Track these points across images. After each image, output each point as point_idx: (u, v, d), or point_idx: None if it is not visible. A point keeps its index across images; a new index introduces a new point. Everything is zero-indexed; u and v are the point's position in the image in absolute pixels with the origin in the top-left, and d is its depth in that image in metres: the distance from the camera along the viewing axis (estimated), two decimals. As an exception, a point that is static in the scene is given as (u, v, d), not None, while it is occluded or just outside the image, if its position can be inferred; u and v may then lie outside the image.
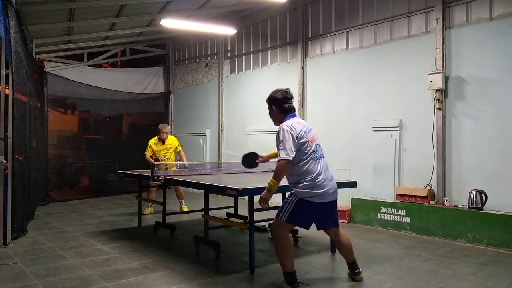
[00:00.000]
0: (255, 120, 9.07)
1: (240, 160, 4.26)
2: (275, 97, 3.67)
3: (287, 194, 3.62)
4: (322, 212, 3.52)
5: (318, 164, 3.44)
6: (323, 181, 3.41)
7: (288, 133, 3.37)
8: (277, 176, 3.36)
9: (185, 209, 7.12)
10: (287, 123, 3.48)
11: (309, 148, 3.43)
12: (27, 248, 4.85)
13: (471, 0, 5.67)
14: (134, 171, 6.44)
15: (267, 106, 3.75)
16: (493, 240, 4.94)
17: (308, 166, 3.40)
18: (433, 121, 5.92)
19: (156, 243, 5.21)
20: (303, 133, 3.43)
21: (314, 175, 3.39)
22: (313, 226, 3.61)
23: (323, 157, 3.56)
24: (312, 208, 3.41)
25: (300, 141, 3.40)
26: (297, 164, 3.40)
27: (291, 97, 3.68)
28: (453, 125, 5.79)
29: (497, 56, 5.36)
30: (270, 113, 3.76)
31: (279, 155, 3.36)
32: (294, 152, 3.33)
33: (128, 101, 10.98)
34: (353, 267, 3.74)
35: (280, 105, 3.63)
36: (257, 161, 4.30)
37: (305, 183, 3.39)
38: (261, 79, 9.06)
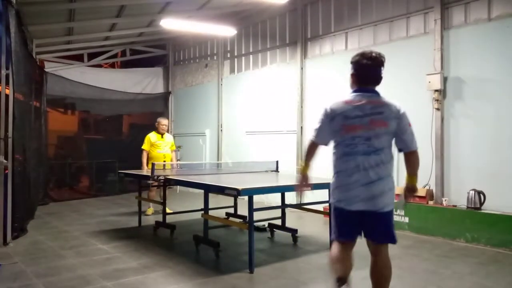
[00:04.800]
0: (255, 120, 9.09)
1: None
2: (352, 60, 2.93)
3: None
4: (357, 222, 2.78)
5: (348, 159, 2.75)
6: (349, 183, 2.74)
7: (323, 111, 2.85)
8: (305, 156, 2.95)
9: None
10: (334, 100, 2.87)
11: (339, 137, 2.78)
12: (27, 248, 4.87)
13: (469, 1, 5.69)
14: (134, 171, 6.47)
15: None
16: (492, 240, 4.96)
17: (336, 160, 2.83)
18: (432, 122, 5.94)
19: (156, 243, 5.23)
20: (340, 117, 2.74)
21: (338, 172, 2.81)
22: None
23: (368, 154, 2.73)
24: (344, 215, 2.79)
25: (334, 126, 2.78)
26: (332, 152, 2.87)
27: (375, 66, 2.80)
28: (452, 126, 5.81)
29: (496, 57, 5.38)
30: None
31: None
32: (322, 136, 2.84)
33: (128, 101, 10.99)
34: None
35: (354, 73, 2.91)
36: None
37: (332, 181, 2.87)
38: (260, 79, 9.08)
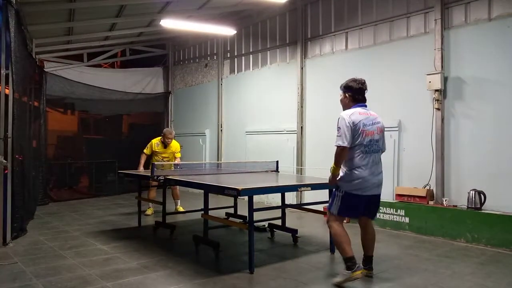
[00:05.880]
0: (255, 120, 9.09)
1: None
2: (351, 85, 3.77)
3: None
4: (365, 204, 3.68)
5: (364, 157, 3.58)
6: (365, 175, 3.57)
7: (345, 120, 3.56)
8: (335, 162, 3.60)
9: (180, 209, 7.13)
10: (347, 111, 3.65)
11: (360, 139, 3.56)
12: (27, 248, 4.86)
13: (470, 1, 5.69)
14: (134, 171, 6.46)
15: (341, 92, 3.85)
16: (492, 240, 4.96)
17: (354, 157, 3.58)
18: (432, 122, 5.93)
19: (156, 243, 5.22)
20: (360, 124, 3.57)
21: (356, 167, 3.57)
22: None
23: (377, 152, 3.67)
24: (356, 200, 3.61)
25: (355, 131, 3.55)
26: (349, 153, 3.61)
27: (366, 89, 3.79)
28: (452, 126, 5.80)
29: (496, 57, 5.37)
30: (341, 100, 3.86)
31: (336, 141, 3.57)
32: (349, 140, 3.52)
33: (127, 101, 10.99)
34: (368, 261, 3.84)
35: (353, 95, 3.76)
36: None
37: (347, 174, 3.60)
38: (260, 79, 9.07)
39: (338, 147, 3.54)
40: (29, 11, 6.54)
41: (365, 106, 3.76)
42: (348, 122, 3.54)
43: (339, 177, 3.63)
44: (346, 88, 3.79)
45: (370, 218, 3.87)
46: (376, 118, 3.71)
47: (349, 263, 3.55)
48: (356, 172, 3.57)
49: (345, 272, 3.56)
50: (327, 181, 3.79)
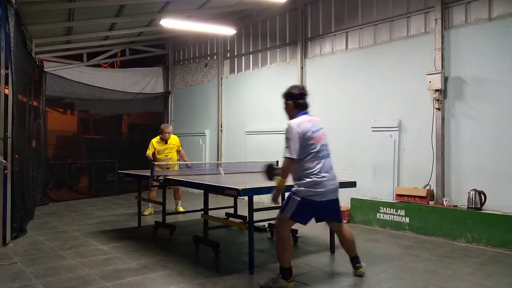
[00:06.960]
0: (255, 120, 9.08)
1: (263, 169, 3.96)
2: (291, 92, 3.77)
3: (286, 193, 3.70)
4: (323, 210, 3.65)
5: (321, 163, 3.54)
6: (324, 180, 3.52)
7: (294, 131, 3.50)
8: (283, 173, 3.54)
9: (180, 209, 7.15)
10: (295, 121, 3.59)
11: (313, 147, 3.53)
12: (27, 248, 4.85)
13: (470, 0, 5.68)
14: (134, 171, 6.45)
15: (283, 100, 3.82)
16: (492, 240, 4.95)
17: (310, 165, 3.51)
18: (433, 122, 5.93)
19: (156, 243, 5.22)
20: (310, 132, 3.54)
21: (314, 173, 3.50)
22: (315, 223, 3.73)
23: (328, 157, 3.65)
24: (313, 206, 3.53)
25: (306, 140, 3.51)
26: (300, 161, 3.51)
27: (307, 94, 3.78)
28: (452, 125, 5.80)
29: (496, 57, 5.37)
30: (284, 108, 3.83)
31: (284, 153, 3.51)
32: (298, 151, 3.46)
33: (127, 101, 10.98)
34: (354, 261, 3.85)
35: (295, 101, 3.73)
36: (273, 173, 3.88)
37: (305, 181, 3.51)
38: (260, 79, 9.06)
39: (286, 158, 3.46)
40: (28, 11, 6.54)
41: (308, 112, 3.73)
42: (297, 133, 3.48)
43: (299, 183, 3.53)
44: (288, 95, 3.77)
45: (337, 221, 3.85)
46: (320, 123, 3.72)
47: (286, 273, 3.56)
48: (313, 178, 3.49)
49: (280, 280, 3.54)
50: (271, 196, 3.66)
